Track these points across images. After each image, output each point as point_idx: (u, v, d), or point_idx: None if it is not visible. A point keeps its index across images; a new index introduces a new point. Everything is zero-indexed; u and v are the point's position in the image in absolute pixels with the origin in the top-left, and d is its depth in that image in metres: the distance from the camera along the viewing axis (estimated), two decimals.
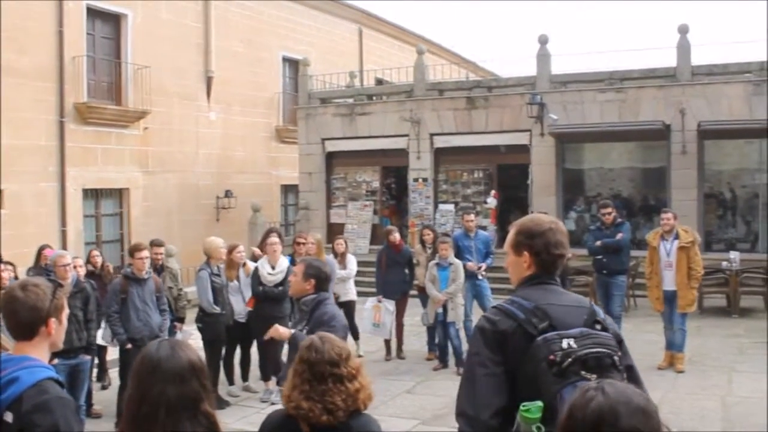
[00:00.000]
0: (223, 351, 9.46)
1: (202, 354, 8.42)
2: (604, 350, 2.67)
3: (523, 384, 2.66)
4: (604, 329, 2.80)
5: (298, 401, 3.04)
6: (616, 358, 2.69)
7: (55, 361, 6.74)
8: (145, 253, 8.37)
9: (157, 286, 8.53)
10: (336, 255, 11.21)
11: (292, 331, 5.16)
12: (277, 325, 5.39)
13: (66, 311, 2.86)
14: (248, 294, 9.45)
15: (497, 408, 2.67)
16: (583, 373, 2.59)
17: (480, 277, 11.01)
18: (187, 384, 2.46)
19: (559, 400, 2.49)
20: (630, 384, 2.58)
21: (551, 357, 2.61)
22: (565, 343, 2.64)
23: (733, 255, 14.40)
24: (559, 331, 2.70)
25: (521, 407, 2.53)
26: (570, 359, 2.60)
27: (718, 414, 8.06)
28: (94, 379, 9.19)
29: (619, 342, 2.87)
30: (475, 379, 2.73)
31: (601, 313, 2.89)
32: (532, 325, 2.73)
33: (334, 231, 20.30)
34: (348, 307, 10.89)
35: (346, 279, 11.15)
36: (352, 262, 11.36)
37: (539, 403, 2.52)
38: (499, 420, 2.67)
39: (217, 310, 8.95)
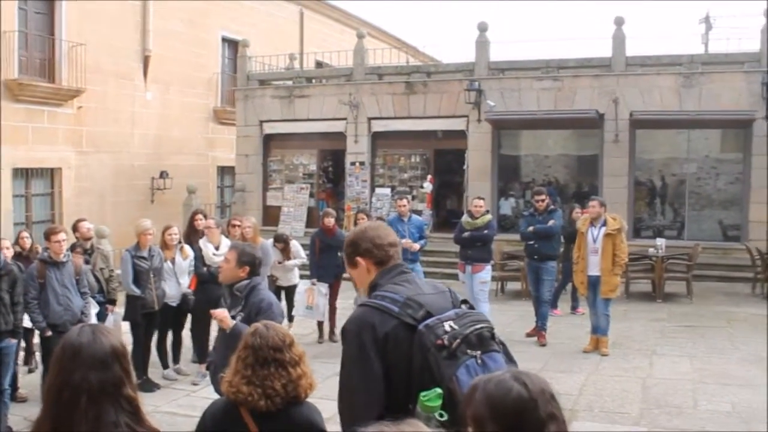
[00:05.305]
0: (155, 334, 9.41)
1: (128, 337, 8.42)
2: (482, 325, 2.77)
3: (415, 374, 2.67)
4: (471, 307, 2.92)
5: (238, 386, 3.12)
6: (494, 330, 2.80)
7: None
8: (62, 236, 8.11)
9: (76, 269, 8.31)
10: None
11: (235, 321, 5.12)
12: (224, 311, 5.32)
13: None
14: (183, 277, 9.42)
15: (378, 413, 2.60)
16: (468, 351, 2.66)
17: (412, 253, 10.95)
18: (109, 369, 2.43)
19: (456, 383, 2.55)
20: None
21: (438, 341, 2.66)
22: (447, 326, 2.70)
23: (660, 242, 14.78)
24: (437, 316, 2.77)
25: (421, 396, 2.54)
26: (458, 340, 2.65)
27: (638, 395, 8.35)
28: (20, 362, 9.06)
29: None
30: (354, 385, 2.79)
31: (458, 295, 3.00)
32: (409, 316, 2.76)
33: (270, 213, 20.28)
34: (289, 291, 11.20)
35: (294, 267, 11.33)
36: (299, 250, 11.41)
37: (438, 390, 2.54)
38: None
39: (136, 292, 8.83)
